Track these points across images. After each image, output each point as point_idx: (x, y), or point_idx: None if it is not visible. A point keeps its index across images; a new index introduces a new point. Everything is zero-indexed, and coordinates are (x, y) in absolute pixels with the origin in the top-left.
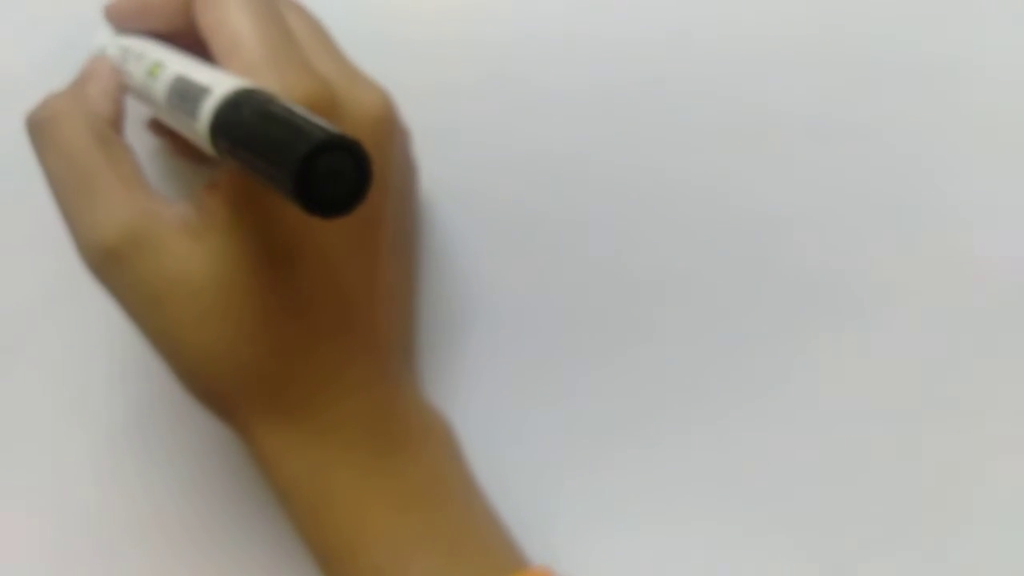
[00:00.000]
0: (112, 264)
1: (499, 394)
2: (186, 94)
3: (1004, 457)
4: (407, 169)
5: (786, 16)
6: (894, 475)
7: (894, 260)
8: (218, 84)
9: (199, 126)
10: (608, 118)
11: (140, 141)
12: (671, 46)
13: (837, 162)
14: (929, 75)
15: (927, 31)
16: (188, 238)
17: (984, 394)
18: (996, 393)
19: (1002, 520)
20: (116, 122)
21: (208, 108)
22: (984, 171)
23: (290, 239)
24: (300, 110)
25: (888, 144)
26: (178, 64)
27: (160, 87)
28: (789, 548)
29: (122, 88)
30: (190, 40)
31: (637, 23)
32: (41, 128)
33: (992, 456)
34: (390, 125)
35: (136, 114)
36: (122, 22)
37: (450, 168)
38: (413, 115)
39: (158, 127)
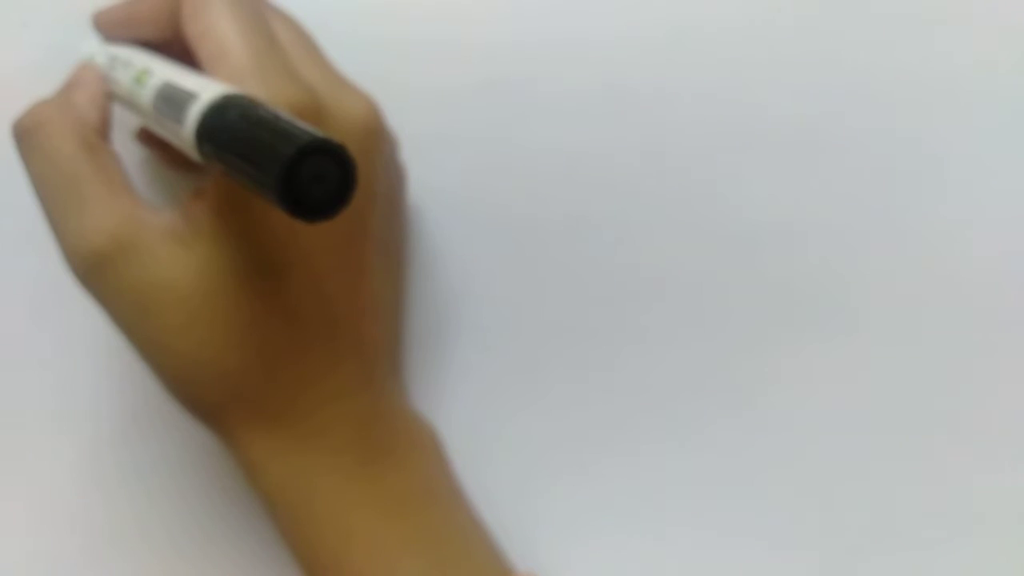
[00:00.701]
0: (98, 271)
1: (485, 401)
2: (172, 100)
3: (1003, 458)
4: (395, 176)
5: (785, 19)
6: (886, 480)
7: (891, 263)
8: (204, 90)
9: (185, 131)
10: (601, 123)
11: (128, 151)
12: (667, 50)
13: (835, 165)
14: (928, 78)
15: (926, 35)
16: (174, 245)
17: (983, 396)
18: (995, 395)
19: (1002, 522)
20: (103, 129)
21: (194, 113)
22: (984, 175)
23: (276, 246)
24: (286, 115)
25: (888, 147)
26: (165, 71)
27: (147, 94)
28: (771, 554)
29: (109, 95)
30: (177, 49)
31: (633, 26)
32: (28, 135)
33: (991, 457)
34: (376, 133)
35: (124, 124)
36: (110, 30)
37: (440, 174)
38: (403, 120)
39: (146, 137)
